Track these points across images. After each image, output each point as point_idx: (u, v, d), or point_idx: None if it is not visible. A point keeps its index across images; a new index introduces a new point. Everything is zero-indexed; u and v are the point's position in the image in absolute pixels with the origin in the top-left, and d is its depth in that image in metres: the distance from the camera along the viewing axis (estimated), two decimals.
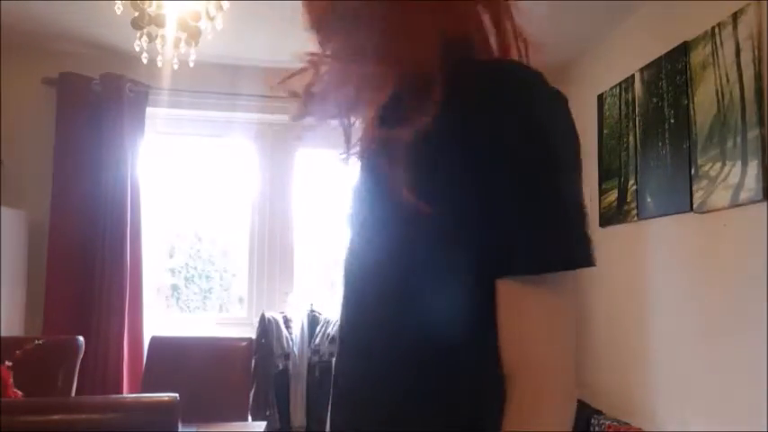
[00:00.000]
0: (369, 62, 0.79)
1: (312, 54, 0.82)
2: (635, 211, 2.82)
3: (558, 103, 0.75)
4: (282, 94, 0.84)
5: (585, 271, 0.71)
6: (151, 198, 3.54)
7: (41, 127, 3.29)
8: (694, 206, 2.40)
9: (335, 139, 0.87)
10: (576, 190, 0.73)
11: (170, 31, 2.02)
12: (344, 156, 0.86)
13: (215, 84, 3.49)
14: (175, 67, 2.19)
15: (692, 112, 2.43)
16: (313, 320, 3.38)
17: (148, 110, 3.40)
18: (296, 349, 3.19)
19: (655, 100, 2.70)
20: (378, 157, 0.79)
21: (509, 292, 0.71)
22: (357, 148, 0.84)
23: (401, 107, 0.76)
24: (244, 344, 2.71)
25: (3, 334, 2.78)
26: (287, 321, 3.27)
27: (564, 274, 0.70)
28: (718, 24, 2.28)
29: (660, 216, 2.65)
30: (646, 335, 2.76)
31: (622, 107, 2.96)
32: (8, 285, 2.98)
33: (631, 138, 2.87)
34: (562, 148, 0.73)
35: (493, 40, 0.82)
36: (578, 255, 0.70)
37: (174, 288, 3.83)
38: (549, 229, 0.70)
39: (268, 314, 3.22)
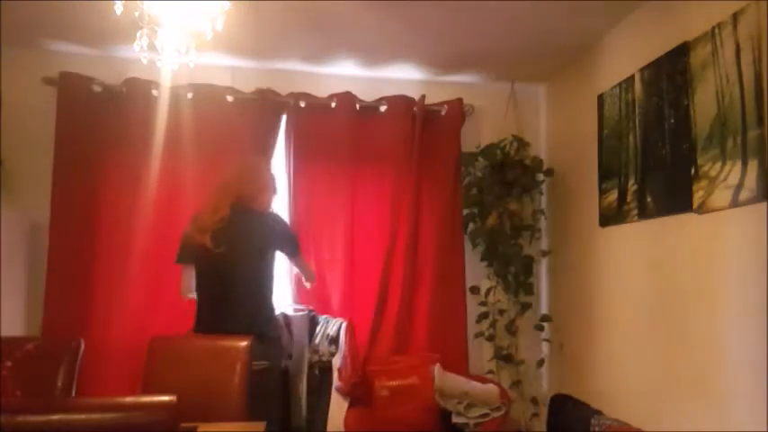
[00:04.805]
0: None
1: None
2: (635, 211, 2.82)
3: None
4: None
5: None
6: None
7: (41, 127, 3.29)
8: (694, 206, 2.40)
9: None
10: None
11: (170, 31, 2.01)
12: None
13: (215, 84, 3.48)
14: (175, 67, 2.19)
15: (692, 112, 2.43)
16: (313, 320, 3.38)
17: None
18: (296, 349, 3.18)
19: (655, 100, 2.70)
20: None
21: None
22: None
23: None
24: (244, 344, 2.70)
25: (3, 334, 2.79)
26: (287, 321, 3.26)
27: None
28: (718, 24, 2.28)
29: (660, 216, 2.65)
30: (645, 335, 2.76)
31: (622, 107, 2.96)
32: (8, 285, 2.98)
33: (631, 138, 2.87)
34: None
35: None
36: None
37: None
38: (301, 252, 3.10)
39: None
